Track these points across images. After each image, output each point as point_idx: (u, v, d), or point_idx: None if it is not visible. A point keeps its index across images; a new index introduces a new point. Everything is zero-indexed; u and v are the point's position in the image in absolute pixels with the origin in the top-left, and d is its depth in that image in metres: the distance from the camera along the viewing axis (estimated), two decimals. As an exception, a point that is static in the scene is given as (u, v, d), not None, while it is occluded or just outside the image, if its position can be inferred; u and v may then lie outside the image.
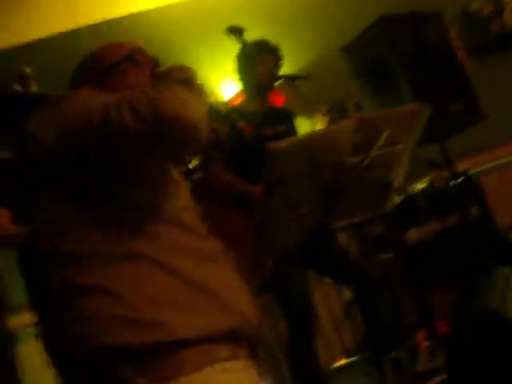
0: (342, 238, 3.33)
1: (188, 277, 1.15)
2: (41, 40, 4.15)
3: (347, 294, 3.66)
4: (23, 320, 3.07)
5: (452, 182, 3.41)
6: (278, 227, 1.56)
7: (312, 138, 1.47)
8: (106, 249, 1.16)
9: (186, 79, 1.20)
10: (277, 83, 2.88)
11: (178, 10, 4.34)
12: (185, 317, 1.11)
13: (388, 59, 3.36)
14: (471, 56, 4.52)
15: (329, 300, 4.02)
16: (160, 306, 1.11)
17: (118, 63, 1.39)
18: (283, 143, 1.41)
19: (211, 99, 4.31)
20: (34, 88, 3.80)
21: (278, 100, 4.01)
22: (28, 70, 3.90)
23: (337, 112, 4.07)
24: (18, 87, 3.83)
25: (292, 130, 2.87)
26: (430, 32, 3.43)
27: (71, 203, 1.20)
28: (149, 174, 1.25)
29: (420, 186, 3.48)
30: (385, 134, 1.67)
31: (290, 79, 2.86)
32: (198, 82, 1.25)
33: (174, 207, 1.27)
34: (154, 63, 1.48)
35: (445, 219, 3.42)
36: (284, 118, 2.93)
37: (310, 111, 3.56)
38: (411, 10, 3.42)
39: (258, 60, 2.75)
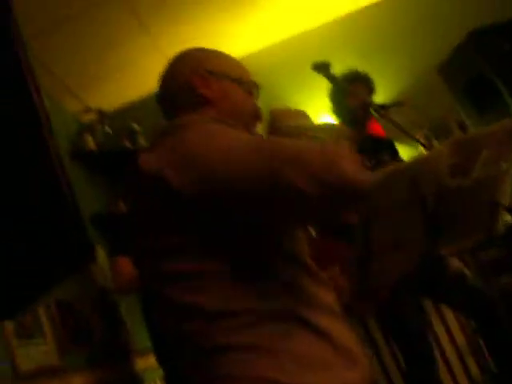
0: (456, 262, 3.19)
1: (331, 337, 1.11)
2: (148, 97, 4.44)
3: (471, 322, 3.47)
4: (149, 362, 3.20)
5: None
6: (380, 259, 1.53)
7: (408, 166, 1.44)
8: (257, 306, 1.08)
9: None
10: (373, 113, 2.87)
11: (269, 54, 4.47)
12: (332, 377, 1.07)
13: (486, 74, 3.25)
14: None
15: (451, 330, 3.82)
16: (313, 369, 1.05)
17: (238, 78, 1.39)
18: (379, 173, 1.40)
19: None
20: (142, 142, 4.07)
21: (378, 129, 3.98)
22: (136, 127, 4.18)
23: (440, 134, 3.95)
24: (127, 143, 4.11)
25: (395, 158, 2.83)
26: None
27: (212, 256, 1.10)
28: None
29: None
30: (485, 154, 1.61)
31: (384, 108, 2.83)
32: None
33: (309, 261, 1.24)
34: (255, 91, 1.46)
35: None
36: (385, 147, 2.91)
37: (410, 137, 3.49)
38: (501, 20, 3.28)
39: (349, 91, 2.75)
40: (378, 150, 2.85)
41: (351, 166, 0.98)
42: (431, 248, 1.72)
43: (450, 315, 3.68)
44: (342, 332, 1.16)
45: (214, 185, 1.04)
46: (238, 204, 1.04)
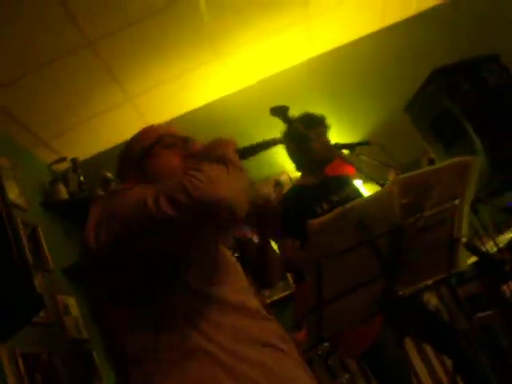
0: (433, 300, 3.18)
1: (245, 376, 1.18)
2: (120, 145, 4.45)
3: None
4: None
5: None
6: (334, 305, 1.51)
7: (353, 208, 1.43)
8: (167, 346, 1.21)
9: (221, 155, 1.25)
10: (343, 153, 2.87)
11: (241, 97, 4.53)
12: None
13: (451, 112, 3.30)
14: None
15: (433, 367, 3.77)
16: None
17: (149, 147, 1.51)
18: (323, 218, 1.39)
19: (282, 177, 4.43)
20: (116, 191, 4.05)
21: (349, 169, 3.99)
22: (109, 175, 4.17)
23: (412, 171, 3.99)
24: (100, 191, 4.10)
25: (356, 194, 2.84)
26: (489, 75, 3.34)
27: (122, 302, 1.25)
28: (199, 256, 1.30)
29: (509, 235, 3.29)
30: (436, 191, 1.61)
31: (351, 147, 2.85)
32: (235, 156, 1.30)
33: (229, 289, 1.31)
34: (185, 142, 1.58)
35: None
36: (345, 184, 2.91)
37: (381, 176, 3.52)
38: (464, 58, 3.35)
39: (310, 136, 2.75)
40: (341, 189, 2.85)
41: (203, 185, 1.14)
42: (389, 289, 1.71)
43: (431, 353, 3.64)
44: (273, 370, 1.21)
45: (114, 230, 1.23)
46: (132, 240, 1.21)
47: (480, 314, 3.41)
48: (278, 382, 1.19)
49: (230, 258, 1.46)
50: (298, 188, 2.96)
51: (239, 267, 1.46)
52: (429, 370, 3.67)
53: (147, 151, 1.50)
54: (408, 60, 4.28)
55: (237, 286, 1.34)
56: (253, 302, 1.34)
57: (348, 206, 1.43)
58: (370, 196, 1.57)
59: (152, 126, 1.63)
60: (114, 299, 1.25)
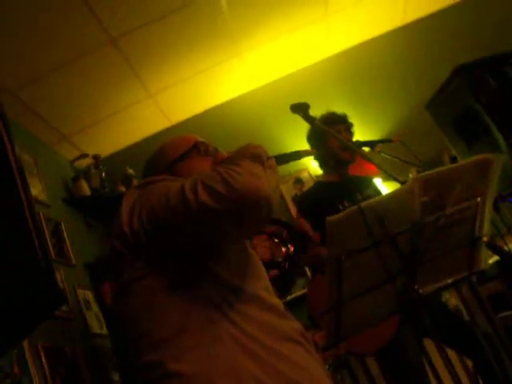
0: (454, 300, 3.16)
1: (272, 367, 1.19)
2: (142, 141, 4.50)
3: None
4: None
5: None
6: (353, 304, 1.50)
7: (372, 205, 1.42)
8: (197, 328, 1.20)
9: (257, 155, 1.24)
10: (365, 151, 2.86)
11: (263, 93, 4.53)
12: None
13: (474, 109, 3.26)
14: None
15: (454, 369, 3.73)
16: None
17: (184, 153, 1.54)
18: (340, 215, 1.39)
19: (303, 174, 4.43)
20: (137, 187, 4.09)
21: (371, 168, 3.97)
22: (131, 171, 4.22)
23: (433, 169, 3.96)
24: (122, 187, 4.14)
25: (377, 195, 2.82)
26: (512, 71, 3.29)
27: (156, 283, 1.25)
28: (229, 250, 1.31)
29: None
30: (458, 189, 1.60)
31: (372, 145, 2.83)
32: (270, 158, 1.30)
33: (256, 286, 1.31)
34: (217, 151, 1.59)
35: None
36: (368, 184, 2.91)
37: (402, 174, 3.49)
38: (487, 54, 3.30)
39: (331, 134, 2.74)
40: (364, 188, 2.85)
41: (242, 178, 1.14)
42: (410, 287, 1.69)
43: (452, 354, 3.60)
44: (291, 362, 1.22)
45: (148, 215, 1.24)
46: (166, 227, 1.22)
47: (502, 314, 3.37)
48: (301, 375, 1.20)
49: (256, 256, 1.46)
50: (321, 184, 2.97)
51: (263, 267, 1.47)
52: (450, 370, 3.63)
53: (181, 157, 1.53)
54: (428, 57, 4.24)
55: (263, 284, 1.35)
56: (276, 300, 1.35)
57: (366, 203, 1.42)
58: (390, 194, 1.56)
59: (187, 134, 1.65)
60: (144, 277, 1.25)
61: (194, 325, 1.20)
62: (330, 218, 1.37)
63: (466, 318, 2.99)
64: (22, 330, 1.52)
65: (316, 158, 3.00)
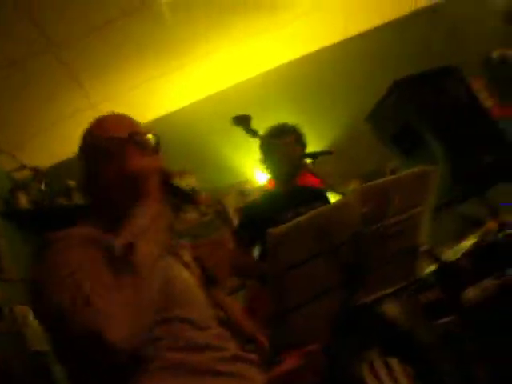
0: (392, 309, 3.21)
1: None
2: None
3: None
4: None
5: (502, 234, 3.27)
6: (296, 314, 1.50)
7: (314, 217, 1.44)
8: None
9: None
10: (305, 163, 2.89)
11: (205, 106, 4.53)
12: None
13: (412, 120, 3.35)
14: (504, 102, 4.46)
15: (396, 376, 3.80)
16: None
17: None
18: (281, 227, 1.39)
19: (247, 186, 4.43)
20: (77, 199, 4.00)
21: (313, 180, 4.02)
22: (72, 183, 4.12)
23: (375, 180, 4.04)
24: (63, 200, 4.03)
25: None
26: (451, 87, 3.40)
27: None
28: None
29: (469, 242, 3.35)
30: (396, 200, 1.64)
31: (312, 157, 2.86)
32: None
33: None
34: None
35: (502, 274, 3.24)
36: (317, 196, 2.93)
37: (343, 186, 3.55)
38: (425, 70, 3.41)
39: (277, 145, 2.77)
40: (311, 200, 2.87)
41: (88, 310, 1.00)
42: (351, 297, 1.72)
43: (394, 360, 3.67)
44: None
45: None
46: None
47: (441, 321, 3.45)
48: None
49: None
50: (266, 195, 2.98)
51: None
52: (392, 378, 3.69)
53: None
54: (370, 70, 4.35)
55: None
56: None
57: (307, 215, 1.43)
58: (331, 205, 1.58)
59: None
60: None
61: None
62: (271, 231, 1.37)
63: (405, 327, 3.04)
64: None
65: (267, 169, 3.02)
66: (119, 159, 1.38)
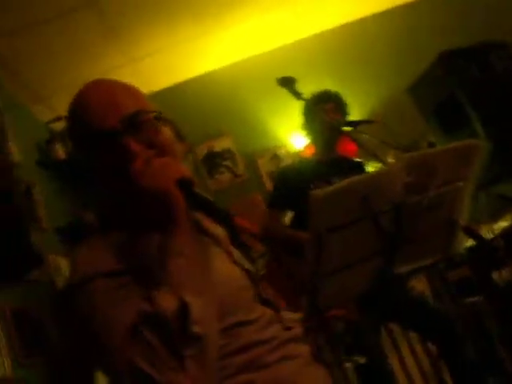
0: (420, 286, 3.19)
1: None
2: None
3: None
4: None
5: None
6: (331, 279, 1.50)
7: (358, 183, 1.42)
8: None
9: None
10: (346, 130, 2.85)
11: (245, 67, 4.49)
12: None
13: (456, 96, 3.28)
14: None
15: (417, 353, 3.80)
16: None
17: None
18: (325, 190, 1.38)
19: (281, 151, 4.41)
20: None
21: (350, 148, 3.98)
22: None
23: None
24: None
25: None
26: (498, 62, 3.30)
27: None
28: None
29: (505, 223, 3.30)
30: (441, 172, 1.60)
31: (354, 125, 2.82)
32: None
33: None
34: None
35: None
36: (354, 168, 2.90)
37: (379, 156, 3.50)
38: (474, 43, 3.32)
39: (318, 111, 2.76)
40: (347, 172, 2.84)
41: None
42: (387, 267, 1.71)
43: (415, 338, 3.66)
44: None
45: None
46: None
47: (469, 299, 3.43)
48: None
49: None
50: (303, 161, 2.97)
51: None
52: (413, 356, 3.69)
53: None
54: (414, 42, 4.25)
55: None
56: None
57: (352, 179, 1.42)
58: (375, 172, 1.55)
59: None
60: None
61: None
62: (314, 192, 1.36)
63: (433, 303, 3.03)
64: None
65: (307, 135, 3.00)
66: (119, 168, 1.08)
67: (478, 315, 3.30)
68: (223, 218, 1.07)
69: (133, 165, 1.04)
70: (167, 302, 0.94)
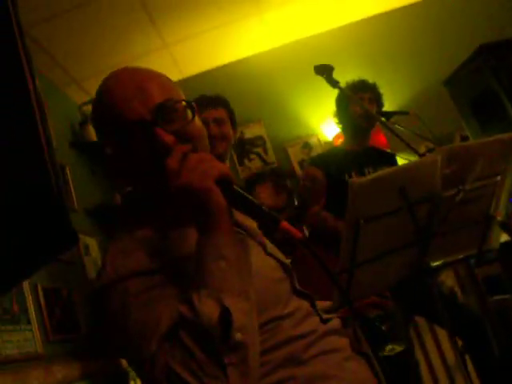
0: (449, 281, 3.16)
1: None
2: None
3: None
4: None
5: None
6: (365, 269, 1.49)
7: (396, 172, 1.40)
8: None
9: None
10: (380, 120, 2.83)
11: (279, 54, 4.48)
12: None
13: (493, 90, 3.21)
14: None
15: (442, 347, 3.78)
16: None
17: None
18: (365, 178, 1.37)
19: (312, 139, 4.39)
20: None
21: (381, 140, 3.95)
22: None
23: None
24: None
25: None
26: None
27: None
28: None
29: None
30: (480, 165, 1.58)
31: (388, 116, 2.80)
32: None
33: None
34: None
35: None
36: (385, 160, 2.88)
37: (408, 147, 3.47)
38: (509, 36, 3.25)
39: (354, 100, 2.73)
40: (378, 163, 2.82)
41: None
42: (420, 259, 1.69)
43: (441, 332, 3.64)
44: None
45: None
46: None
47: (496, 297, 3.38)
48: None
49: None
50: (336, 150, 2.95)
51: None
52: (438, 349, 3.67)
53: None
54: (450, 34, 4.18)
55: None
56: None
57: (389, 169, 1.40)
58: (413, 163, 1.54)
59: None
60: None
61: None
62: (353, 181, 1.35)
63: (461, 299, 3.00)
64: (28, 268, 1.50)
65: (339, 123, 2.98)
66: (151, 160, 1.06)
67: (505, 313, 3.25)
68: (271, 222, 0.96)
69: (168, 161, 0.99)
70: (208, 308, 0.90)
